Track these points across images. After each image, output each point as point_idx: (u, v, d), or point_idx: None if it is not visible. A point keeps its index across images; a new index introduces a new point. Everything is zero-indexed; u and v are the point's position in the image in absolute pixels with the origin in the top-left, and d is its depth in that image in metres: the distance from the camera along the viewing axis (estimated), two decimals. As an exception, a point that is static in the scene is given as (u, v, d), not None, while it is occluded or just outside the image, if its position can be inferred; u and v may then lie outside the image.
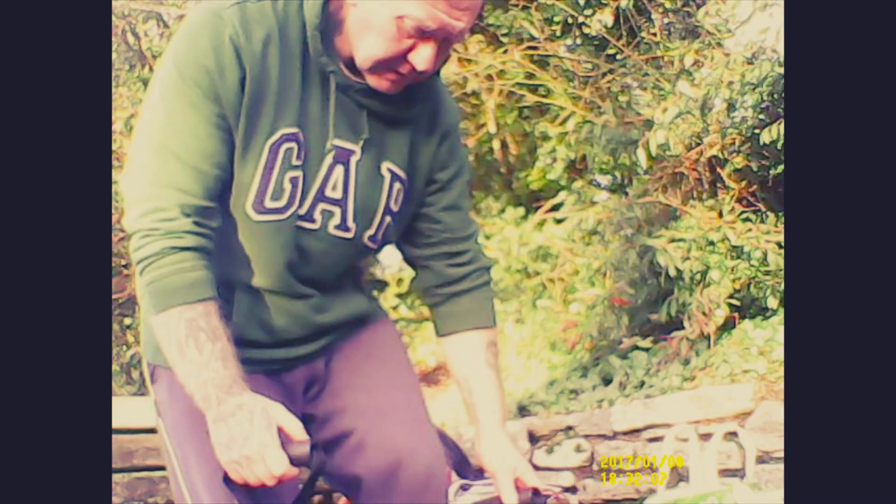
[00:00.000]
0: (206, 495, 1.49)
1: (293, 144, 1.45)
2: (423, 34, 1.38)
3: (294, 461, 1.34)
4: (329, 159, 1.49)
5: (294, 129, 1.45)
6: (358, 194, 1.52)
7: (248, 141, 1.43)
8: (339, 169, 1.50)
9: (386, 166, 1.54)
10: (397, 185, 1.55)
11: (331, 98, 1.47)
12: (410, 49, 1.40)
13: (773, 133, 3.52)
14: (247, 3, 1.42)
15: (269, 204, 1.46)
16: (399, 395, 1.65)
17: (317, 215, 1.51)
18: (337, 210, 1.51)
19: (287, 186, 1.46)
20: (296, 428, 1.37)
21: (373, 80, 1.45)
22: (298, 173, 1.46)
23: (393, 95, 1.48)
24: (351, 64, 1.47)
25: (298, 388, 1.61)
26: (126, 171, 1.44)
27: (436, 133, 1.59)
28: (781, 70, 3.58)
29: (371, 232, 1.56)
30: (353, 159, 1.51)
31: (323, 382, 1.63)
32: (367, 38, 1.41)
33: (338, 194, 1.51)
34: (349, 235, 1.54)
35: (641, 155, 3.75)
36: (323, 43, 1.45)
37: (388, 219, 1.56)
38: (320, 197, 1.50)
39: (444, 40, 1.41)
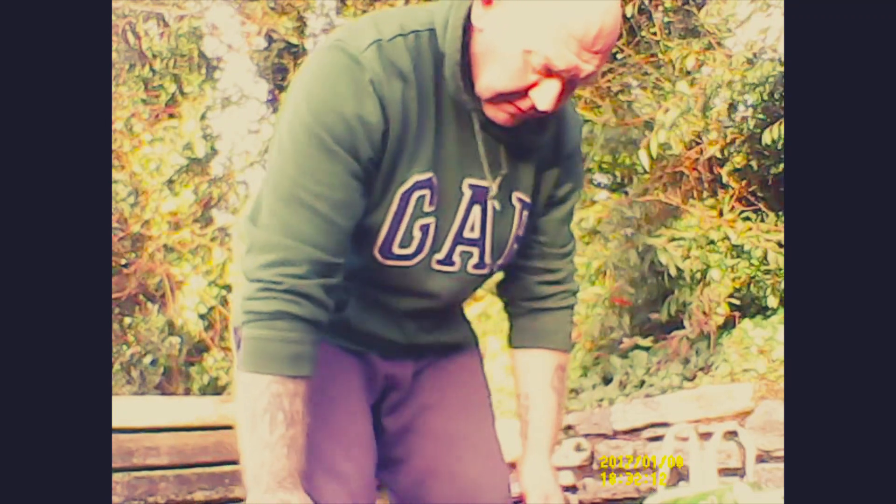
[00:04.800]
0: None
1: (426, 191, 1.39)
2: (549, 72, 1.30)
3: None
4: (466, 200, 1.44)
5: (427, 175, 1.39)
6: (495, 231, 1.48)
7: (382, 190, 1.37)
8: (477, 209, 1.45)
9: (516, 196, 1.49)
10: (525, 212, 1.51)
11: (477, 136, 1.41)
12: (534, 85, 1.32)
13: (775, 133, 3.52)
14: (381, 42, 1.33)
15: (396, 251, 1.42)
16: (477, 428, 1.64)
17: (455, 258, 1.47)
18: (475, 250, 1.47)
19: (417, 234, 1.41)
20: None
21: (490, 111, 1.37)
22: (430, 220, 1.41)
23: (525, 124, 1.40)
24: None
25: (380, 379, 1.57)
26: (251, 212, 1.40)
27: (560, 155, 1.54)
28: (781, 69, 3.58)
29: (501, 261, 1.52)
30: (489, 196, 1.46)
31: (407, 392, 1.60)
32: (491, 68, 1.33)
33: (476, 234, 1.46)
34: (486, 271, 1.51)
35: (643, 156, 3.75)
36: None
37: (516, 245, 1.52)
38: (459, 240, 1.45)
39: (570, 80, 1.32)
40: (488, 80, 1.34)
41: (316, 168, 1.31)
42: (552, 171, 1.53)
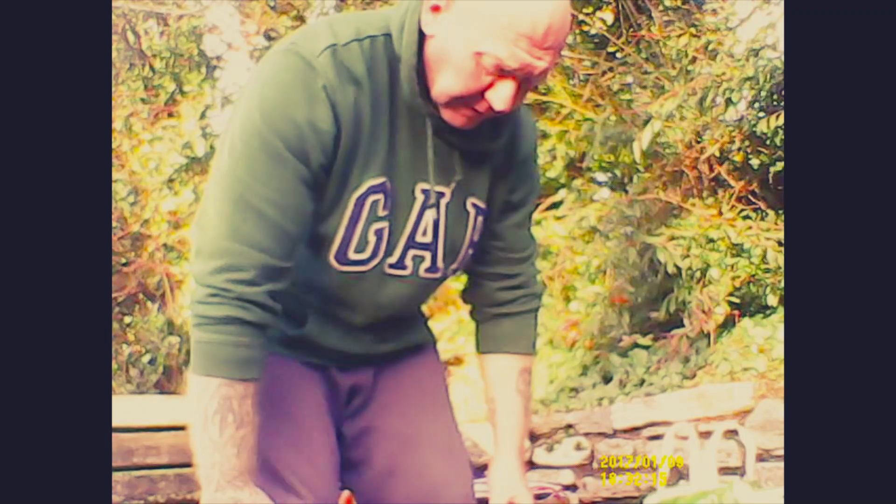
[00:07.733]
0: None
1: (380, 196, 1.40)
2: (502, 72, 1.31)
3: None
4: (419, 205, 1.44)
5: (381, 179, 1.40)
6: (447, 235, 1.49)
7: (335, 195, 1.38)
8: (430, 213, 1.46)
9: (471, 202, 1.50)
10: (480, 218, 1.52)
11: (428, 142, 1.42)
12: (489, 87, 1.32)
13: (771, 124, 3.52)
14: (336, 47, 1.34)
15: (352, 256, 1.43)
16: (437, 425, 1.65)
17: (408, 262, 1.47)
18: (427, 254, 1.48)
19: (371, 239, 1.42)
20: None
21: (447, 115, 1.38)
22: (384, 224, 1.42)
23: (479, 130, 1.41)
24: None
25: (343, 391, 1.60)
26: (198, 215, 1.39)
27: (515, 161, 1.55)
28: (781, 67, 3.58)
29: (455, 266, 1.53)
30: (443, 202, 1.46)
31: (368, 396, 1.62)
32: (444, 73, 1.33)
33: (428, 238, 1.47)
34: (438, 276, 1.52)
35: (636, 148, 3.74)
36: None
37: (470, 251, 1.53)
38: (411, 244, 1.46)
39: (524, 79, 1.33)
40: (443, 85, 1.35)
41: (266, 173, 1.31)
42: (507, 177, 1.54)
